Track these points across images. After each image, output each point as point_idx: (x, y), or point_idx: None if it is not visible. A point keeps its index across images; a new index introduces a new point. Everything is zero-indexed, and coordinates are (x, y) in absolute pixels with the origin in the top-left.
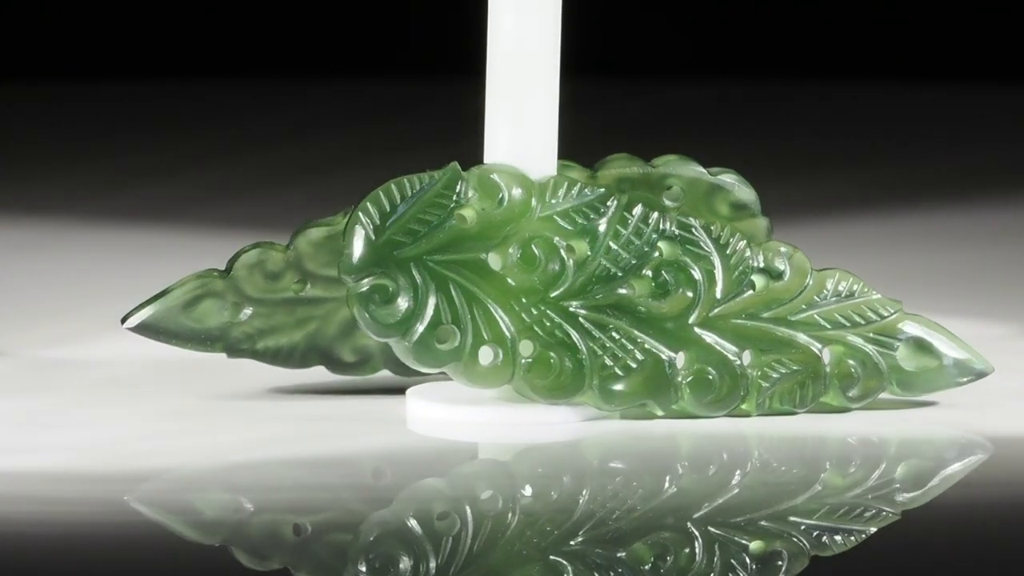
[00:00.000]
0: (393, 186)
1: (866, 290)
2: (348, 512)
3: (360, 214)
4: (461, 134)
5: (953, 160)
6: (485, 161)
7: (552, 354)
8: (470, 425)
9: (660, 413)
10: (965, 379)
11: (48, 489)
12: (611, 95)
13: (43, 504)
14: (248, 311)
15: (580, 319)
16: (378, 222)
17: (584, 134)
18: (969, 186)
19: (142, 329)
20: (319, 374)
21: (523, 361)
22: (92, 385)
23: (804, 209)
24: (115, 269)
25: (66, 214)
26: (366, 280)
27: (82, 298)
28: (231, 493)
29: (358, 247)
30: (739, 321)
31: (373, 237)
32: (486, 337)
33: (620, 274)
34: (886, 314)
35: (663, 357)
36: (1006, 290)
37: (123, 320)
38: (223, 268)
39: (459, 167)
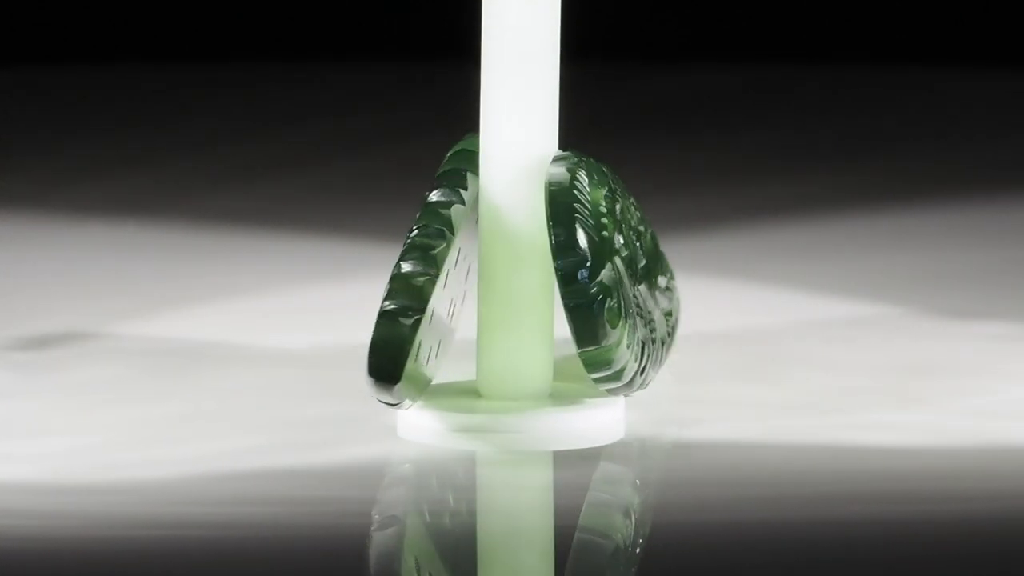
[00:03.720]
0: (576, 183)
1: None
2: (338, 525)
3: (578, 216)
4: (455, 122)
5: (969, 153)
6: (481, 148)
7: (647, 343)
8: (465, 432)
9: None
10: None
11: (21, 501)
12: (613, 81)
13: (15, 518)
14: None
15: (643, 302)
16: (591, 223)
17: (585, 122)
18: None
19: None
20: (308, 377)
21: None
22: (68, 390)
23: (803, 205)
24: (91, 266)
25: (37, 207)
26: (596, 285)
27: (58, 297)
28: (216, 507)
29: (592, 251)
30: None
31: (596, 238)
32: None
33: (639, 253)
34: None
35: (658, 333)
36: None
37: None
38: (410, 309)
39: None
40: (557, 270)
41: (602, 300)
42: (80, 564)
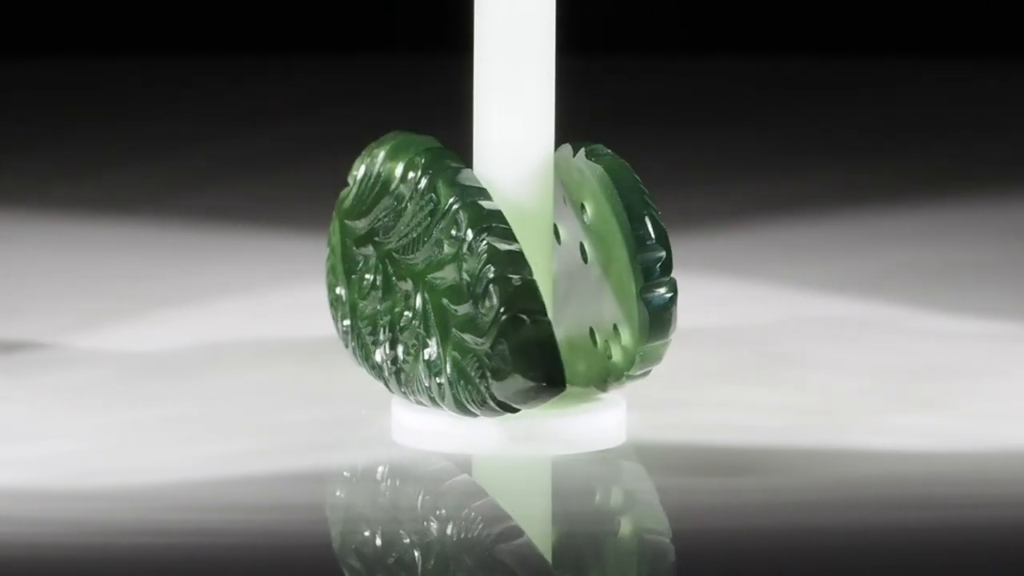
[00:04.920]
0: (636, 175)
1: None
2: (334, 535)
3: (650, 208)
4: (452, 116)
5: (983, 147)
6: (474, 147)
7: None
8: (459, 436)
9: None
10: None
11: (6, 507)
12: (609, 75)
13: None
14: None
15: None
16: (657, 214)
17: (581, 116)
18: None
19: None
20: (301, 380)
21: None
22: (50, 393)
23: (810, 201)
24: (78, 265)
25: (22, 205)
26: (669, 280)
27: (39, 297)
28: (201, 514)
29: (665, 246)
30: None
31: (664, 231)
32: None
33: None
34: None
35: None
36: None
37: None
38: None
39: None
40: (638, 264)
41: (674, 296)
42: (66, 572)
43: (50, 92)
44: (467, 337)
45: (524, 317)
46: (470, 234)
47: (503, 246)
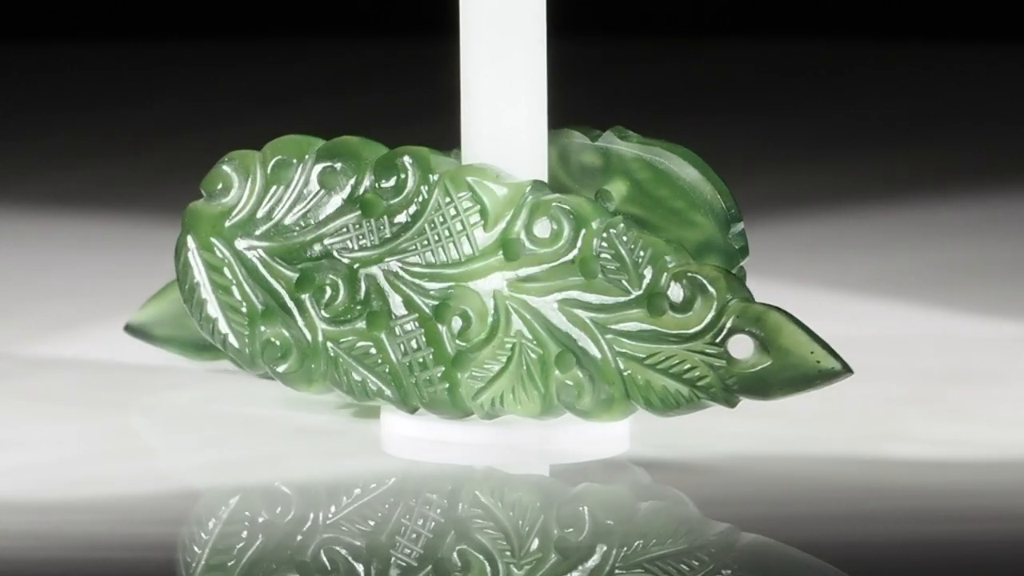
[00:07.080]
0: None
1: None
2: (330, 550)
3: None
4: (434, 109)
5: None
6: (463, 139)
7: None
8: (455, 445)
9: None
10: None
11: None
12: (607, 61)
13: None
14: None
15: None
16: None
17: (578, 107)
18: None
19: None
20: (283, 385)
21: None
22: (25, 399)
23: (809, 200)
24: (52, 263)
25: None
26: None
27: (14, 297)
28: (185, 527)
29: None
30: None
31: None
32: None
33: None
34: None
35: None
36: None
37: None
38: None
39: None
40: (731, 242)
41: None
42: None
43: (25, 80)
44: (656, 332)
45: (750, 302)
46: (603, 230)
47: (648, 236)
